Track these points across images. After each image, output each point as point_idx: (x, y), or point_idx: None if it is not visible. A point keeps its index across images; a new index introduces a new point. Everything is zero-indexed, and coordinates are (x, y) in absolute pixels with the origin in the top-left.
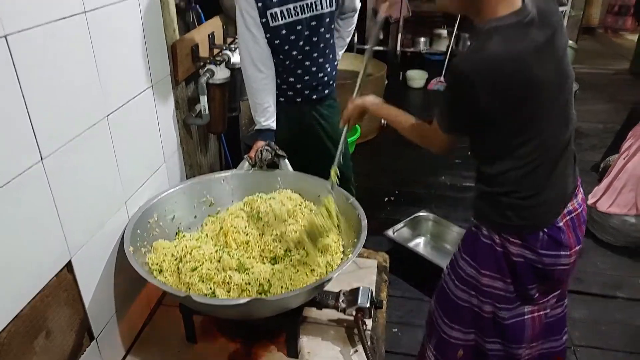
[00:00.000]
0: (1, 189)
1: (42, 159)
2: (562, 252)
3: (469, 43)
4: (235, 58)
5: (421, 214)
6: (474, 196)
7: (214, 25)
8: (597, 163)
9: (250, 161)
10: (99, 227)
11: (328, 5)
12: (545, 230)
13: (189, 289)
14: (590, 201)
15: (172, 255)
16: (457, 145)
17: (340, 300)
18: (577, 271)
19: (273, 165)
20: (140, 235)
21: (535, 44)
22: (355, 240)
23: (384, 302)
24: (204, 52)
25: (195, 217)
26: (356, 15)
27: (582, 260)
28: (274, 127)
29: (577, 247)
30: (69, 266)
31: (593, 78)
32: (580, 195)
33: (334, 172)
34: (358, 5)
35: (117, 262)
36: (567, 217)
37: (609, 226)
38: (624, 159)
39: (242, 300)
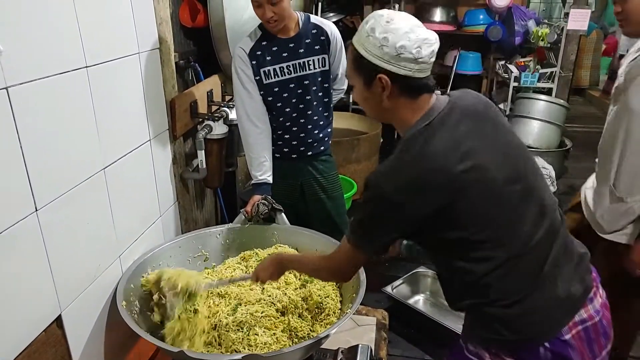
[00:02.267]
0: None
1: (36, 210)
2: None
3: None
4: (233, 114)
5: (420, 270)
6: (465, 316)
7: (213, 82)
8: None
9: (246, 215)
10: (91, 280)
11: (320, 65)
12: (547, 345)
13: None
14: None
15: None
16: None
17: (339, 359)
18: None
19: (270, 219)
20: (134, 289)
21: (452, 140)
22: (354, 295)
23: None
24: (202, 108)
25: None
26: (342, 94)
27: None
28: (271, 181)
29: None
30: (58, 321)
31: (586, 136)
32: (600, 301)
33: None
34: (345, 85)
35: (109, 318)
36: (580, 327)
37: None
38: None
39: (237, 356)
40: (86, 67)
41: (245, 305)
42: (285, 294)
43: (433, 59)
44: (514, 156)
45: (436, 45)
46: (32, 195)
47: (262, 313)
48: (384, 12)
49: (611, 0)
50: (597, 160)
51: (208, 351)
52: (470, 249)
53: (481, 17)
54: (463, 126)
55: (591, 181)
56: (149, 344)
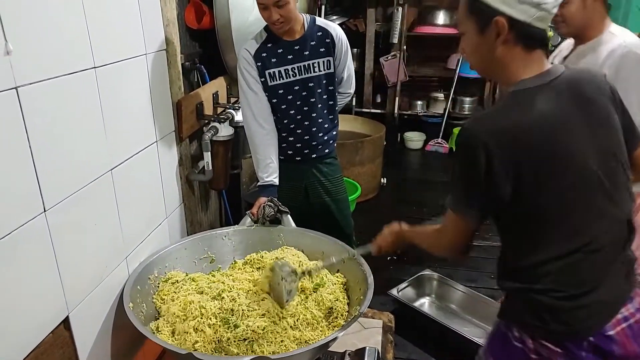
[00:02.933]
0: (4, 239)
1: (45, 210)
2: None
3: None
4: (238, 116)
5: (425, 273)
6: (503, 292)
7: (218, 84)
8: None
9: (252, 217)
10: (98, 282)
11: (325, 68)
12: (591, 339)
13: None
14: None
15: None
16: (473, 237)
17: None
18: None
19: (276, 221)
20: (141, 291)
21: (556, 113)
22: (362, 297)
23: None
24: (208, 110)
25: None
26: (349, 98)
27: None
28: (277, 183)
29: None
30: (66, 322)
31: None
32: (639, 299)
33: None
34: (353, 89)
35: (115, 319)
36: (624, 324)
37: None
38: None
39: (246, 358)
40: (94, 67)
41: (247, 319)
42: (306, 307)
43: (555, 10)
44: (609, 153)
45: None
46: (41, 195)
47: (264, 329)
48: None
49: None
50: None
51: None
52: (543, 231)
53: None
54: (572, 104)
55: None
56: (155, 346)
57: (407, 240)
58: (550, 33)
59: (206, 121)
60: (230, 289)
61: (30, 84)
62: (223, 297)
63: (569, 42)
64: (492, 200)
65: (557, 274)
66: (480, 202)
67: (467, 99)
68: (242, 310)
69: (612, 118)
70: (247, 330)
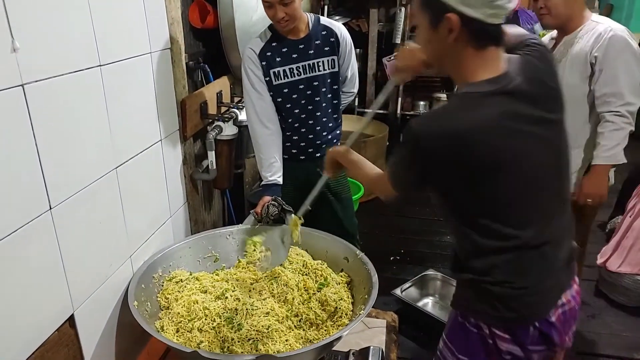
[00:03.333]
0: (10, 237)
1: (50, 208)
2: (546, 348)
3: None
4: (242, 116)
5: (429, 273)
6: (459, 287)
7: (222, 84)
8: (604, 222)
9: (256, 216)
10: (103, 280)
11: (329, 67)
12: (536, 324)
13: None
14: (599, 261)
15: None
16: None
17: None
18: (591, 333)
19: (279, 220)
20: (145, 290)
21: (510, 115)
22: (366, 296)
23: None
24: (212, 109)
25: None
26: (353, 97)
27: (595, 321)
28: (281, 182)
29: (564, 344)
30: (71, 320)
31: None
32: (575, 287)
33: (294, 221)
34: (356, 88)
35: (120, 318)
36: (560, 310)
37: (621, 286)
38: (630, 217)
39: (251, 357)
40: (100, 65)
41: (251, 318)
42: (309, 307)
43: (511, 5)
44: (558, 152)
45: None
46: (47, 193)
47: (268, 328)
48: None
49: None
50: None
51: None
52: (493, 225)
53: None
54: (524, 108)
55: None
56: (159, 345)
57: (346, 165)
58: (542, 33)
59: (210, 120)
60: (234, 288)
61: (37, 81)
62: (227, 297)
63: (549, 36)
64: (426, 190)
65: (505, 266)
66: (410, 186)
67: None
68: (246, 309)
69: (561, 118)
70: (251, 330)
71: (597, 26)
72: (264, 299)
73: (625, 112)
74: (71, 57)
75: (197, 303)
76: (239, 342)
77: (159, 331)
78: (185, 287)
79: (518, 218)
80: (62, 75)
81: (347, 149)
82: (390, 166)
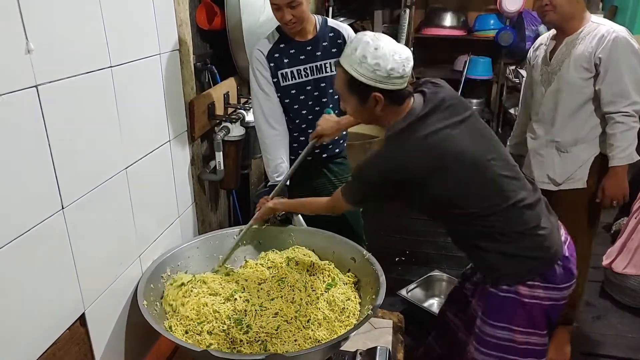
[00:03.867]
0: (23, 236)
1: (62, 208)
2: (572, 282)
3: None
4: (249, 117)
5: (434, 273)
6: (477, 258)
7: (229, 85)
8: (609, 224)
9: None
10: (113, 279)
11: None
12: (559, 262)
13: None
14: (605, 262)
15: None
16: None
17: None
18: (596, 334)
19: (286, 220)
20: (154, 289)
21: (427, 134)
22: (373, 296)
23: None
24: (219, 110)
25: (207, 272)
26: None
27: (601, 322)
28: (287, 183)
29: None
30: (82, 319)
31: None
32: (562, 226)
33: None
34: None
35: (129, 317)
36: (566, 245)
37: (627, 287)
38: (635, 218)
39: (260, 356)
40: (110, 67)
41: (260, 319)
42: (317, 307)
43: (409, 71)
44: (488, 137)
45: (411, 60)
46: (59, 193)
47: (277, 329)
48: (369, 39)
49: None
50: (530, 137)
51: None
52: (465, 216)
53: (492, 22)
54: (439, 121)
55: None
56: (167, 344)
57: (280, 210)
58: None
59: (217, 121)
60: (243, 289)
61: (50, 82)
62: (235, 299)
63: (546, 36)
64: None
65: (503, 224)
66: (366, 203)
67: (474, 101)
68: (255, 310)
69: (472, 110)
70: (261, 332)
71: (599, 27)
72: (272, 300)
73: (632, 111)
74: (83, 59)
75: (207, 306)
76: (247, 343)
77: (167, 331)
78: (191, 291)
79: (489, 195)
80: (75, 76)
81: (276, 203)
82: (352, 189)
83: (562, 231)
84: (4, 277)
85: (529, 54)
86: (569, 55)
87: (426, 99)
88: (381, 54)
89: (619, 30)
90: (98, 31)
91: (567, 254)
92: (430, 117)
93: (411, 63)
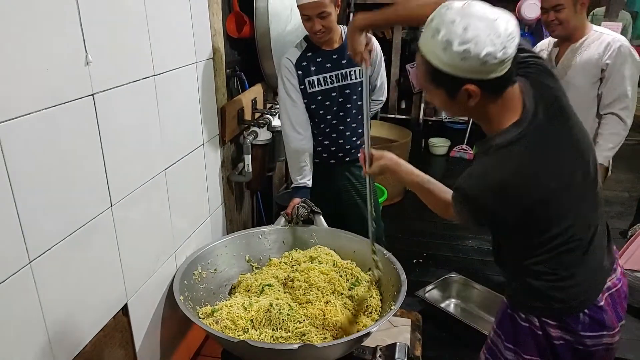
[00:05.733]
0: (79, 230)
1: (111, 205)
2: (604, 332)
3: (478, 152)
4: (275, 122)
5: (451, 275)
6: (508, 280)
7: (256, 91)
8: (625, 230)
9: (287, 217)
10: (151, 273)
11: (360, 76)
12: (586, 311)
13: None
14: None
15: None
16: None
17: (377, 356)
18: None
19: (309, 221)
20: (187, 285)
21: (540, 151)
22: (395, 293)
23: (421, 359)
24: (247, 115)
25: (234, 270)
26: (381, 105)
27: None
28: (310, 185)
29: (619, 325)
30: (124, 309)
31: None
32: (620, 270)
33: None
34: (384, 96)
35: (165, 309)
36: (607, 294)
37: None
38: None
39: (294, 346)
40: (154, 75)
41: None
42: (341, 305)
43: (514, 50)
44: (585, 152)
45: (518, 33)
46: (109, 191)
47: (306, 335)
48: (454, 15)
49: (543, 10)
50: None
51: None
52: (538, 244)
53: None
54: (554, 133)
55: None
56: (197, 336)
57: (404, 182)
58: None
59: (246, 126)
60: (277, 297)
61: (104, 91)
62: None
63: (547, 42)
64: (490, 227)
65: (551, 264)
66: (478, 225)
67: None
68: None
69: (583, 132)
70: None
71: (602, 36)
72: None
73: (624, 116)
74: (131, 68)
75: (242, 319)
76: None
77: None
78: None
79: (567, 225)
80: (124, 85)
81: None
82: (459, 209)
83: (615, 275)
84: (64, 267)
85: None
86: (575, 61)
87: (535, 93)
88: (472, 35)
89: (622, 39)
90: (144, 43)
91: (601, 304)
92: (546, 127)
93: (516, 40)
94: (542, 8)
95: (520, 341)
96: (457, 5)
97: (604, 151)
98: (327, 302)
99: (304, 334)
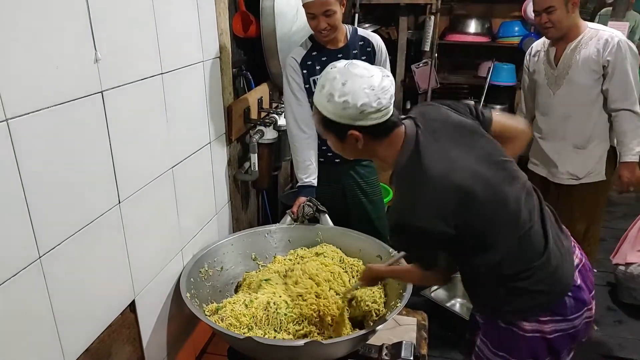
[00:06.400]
0: (87, 227)
1: (119, 202)
2: (585, 308)
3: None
4: (281, 121)
5: (457, 275)
6: (485, 296)
7: (262, 90)
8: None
9: (292, 216)
10: (158, 271)
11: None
12: (570, 294)
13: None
14: (614, 260)
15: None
16: (450, 271)
17: (383, 354)
18: (618, 337)
19: (314, 219)
20: (194, 283)
21: (442, 162)
22: (401, 291)
23: (427, 357)
24: (253, 114)
25: (240, 268)
26: None
27: (622, 326)
28: (315, 184)
29: (592, 295)
30: (132, 306)
31: None
32: (577, 246)
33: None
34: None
35: (172, 306)
36: (577, 271)
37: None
38: None
39: (300, 343)
40: (161, 73)
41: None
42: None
43: (393, 100)
44: (492, 151)
45: (392, 87)
46: (117, 188)
47: (308, 337)
48: (336, 73)
49: (535, 12)
50: (538, 137)
51: None
52: (486, 247)
53: (516, 28)
54: (441, 142)
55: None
56: (204, 334)
57: (385, 276)
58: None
59: (252, 125)
60: (274, 292)
61: (112, 88)
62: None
63: (541, 42)
64: (447, 248)
65: (513, 262)
66: (441, 255)
67: (498, 107)
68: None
69: (472, 126)
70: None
71: (599, 33)
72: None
73: (637, 109)
74: (139, 66)
75: (245, 316)
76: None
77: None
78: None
79: (504, 228)
80: (132, 82)
81: (379, 270)
82: (414, 261)
83: (577, 252)
84: (73, 262)
85: (526, 60)
86: (575, 60)
87: (417, 122)
88: (349, 89)
89: (619, 34)
90: (152, 41)
91: (578, 283)
92: (427, 144)
93: (390, 92)
94: (534, 11)
95: (508, 346)
96: (340, 65)
97: (635, 147)
98: (318, 295)
99: (305, 335)
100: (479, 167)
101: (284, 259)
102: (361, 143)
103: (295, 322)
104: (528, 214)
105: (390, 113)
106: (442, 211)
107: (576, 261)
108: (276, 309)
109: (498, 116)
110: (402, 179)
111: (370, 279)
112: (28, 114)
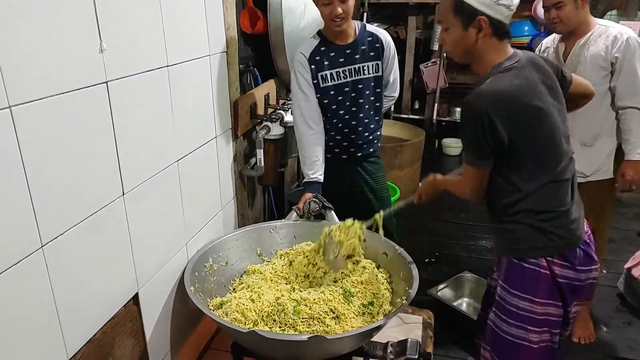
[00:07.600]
0: (91, 218)
1: (123, 194)
2: (593, 267)
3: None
4: (288, 117)
5: (464, 274)
6: (508, 230)
7: (269, 86)
8: None
9: (298, 212)
10: (162, 264)
11: (374, 71)
12: (581, 246)
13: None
14: (627, 264)
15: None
16: (486, 181)
17: (388, 351)
18: (628, 339)
19: (320, 216)
20: (198, 277)
21: (528, 81)
22: (407, 289)
23: (432, 356)
24: (260, 110)
25: (245, 263)
26: (394, 101)
27: (631, 328)
28: (322, 180)
29: (596, 260)
30: (135, 298)
31: None
32: (585, 223)
33: (379, 216)
34: (397, 92)
35: (175, 300)
36: (587, 234)
37: None
38: None
39: (304, 337)
40: (167, 66)
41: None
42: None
43: (515, 8)
44: (564, 114)
45: None
46: (121, 180)
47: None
48: None
49: (545, 8)
50: None
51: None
52: (528, 167)
53: (526, 28)
54: (536, 74)
55: None
56: (208, 328)
57: (440, 186)
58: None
59: (258, 120)
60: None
61: (117, 79)
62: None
63: (551, 39)
64: (496, 150)
65: (544, 200)
66: (488, 153)
67: None
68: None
69: (556, 82)
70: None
71: (609, 30)
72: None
73: None
74: (145, 58)
75: (251, 311)
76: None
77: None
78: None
79: (550, 159)
80: (138, 74)
81: (433, 176)
82: (465, 146)
83: (585, 221)
84: (76, 253)
85: None
86: (583, 56)
87: (524, 53)
88: None
89: (629, 31)
90: (158, 34)
91: (588, 241)
92: (533, 69)
93: (517, 0)
94: (544, 7)
95: (531, 286)
96: None
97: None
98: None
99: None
100: (554, 113)
101: (287, 252)
102: (483, 33)
103: (304, 323)
104: (566, 169)
105: (509, 21)
106: (507, 117)
107: (585, 227)
108: (283, 309)
109: (575, 78)
110: (495, 76)
111: (432, 189)
112: (31, 101)
